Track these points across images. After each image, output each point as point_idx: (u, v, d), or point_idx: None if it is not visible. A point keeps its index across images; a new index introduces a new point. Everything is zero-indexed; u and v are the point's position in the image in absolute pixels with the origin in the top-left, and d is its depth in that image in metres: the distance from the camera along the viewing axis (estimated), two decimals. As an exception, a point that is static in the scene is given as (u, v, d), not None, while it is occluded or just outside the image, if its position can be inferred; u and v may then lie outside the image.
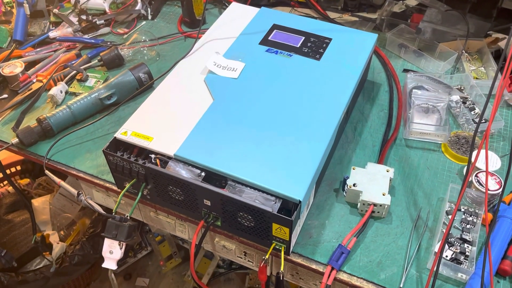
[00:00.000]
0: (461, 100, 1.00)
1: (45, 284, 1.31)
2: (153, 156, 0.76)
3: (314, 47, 0.95)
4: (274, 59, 0.92)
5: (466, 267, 0.73)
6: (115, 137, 0.79)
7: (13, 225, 1.38)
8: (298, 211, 0.69)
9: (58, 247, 1.38)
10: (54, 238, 1.42)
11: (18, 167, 1.60)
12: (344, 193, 0.84)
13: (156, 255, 1.73)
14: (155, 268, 1.74)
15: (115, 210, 0.78)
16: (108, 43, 1.16)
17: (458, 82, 1.05)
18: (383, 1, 1.27)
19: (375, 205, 0.79)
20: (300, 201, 0.69)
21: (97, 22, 1.20)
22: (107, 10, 1.23)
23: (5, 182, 1.59)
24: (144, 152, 0.79)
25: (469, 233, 0.78)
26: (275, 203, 0.70)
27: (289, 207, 0.71)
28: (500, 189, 0.80)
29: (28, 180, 1.58)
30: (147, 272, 1.73)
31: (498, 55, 1.10)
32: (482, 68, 1.09)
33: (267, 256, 0.74)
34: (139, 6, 1.25)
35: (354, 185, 0.81)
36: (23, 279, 1.26)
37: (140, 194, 0.79)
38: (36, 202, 1.48)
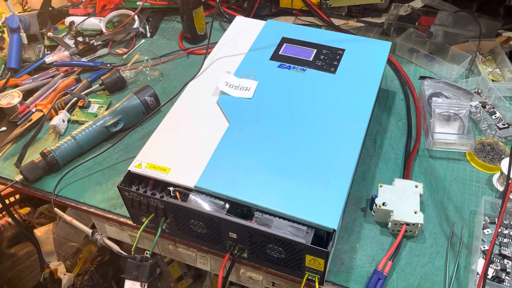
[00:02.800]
0: (481, 104, 0.97)
1: (55, 319, 1.25)
2: (172, 189, 0.72)
3: (328, 59, 0.91)
4: (288, 75, 0.88)
5: (509, 285, 0.70)
6: (129, 170, 0.74)
7: (17, 259, 1.32)
8: (333, 240, 0.65)
9: (65, 279, 1.33)
10: (60, 269, 1.36)
11: (17, 196, 1.54)
12: (373, 213, 0.80)
13: (166, 277, 1.68)
14: (165, 290, 1.68)
15: (134, 249, 0.73)
16: (108, 65, 1.11)
17: (474, 86, 1.02)
18: (387, 4, 1.24)
19: (407, 224, 0.75)
20: (334, 230, 0.64)
21: (95, 44, 1.15)
22: (104, 30, 1.18)
23: (4, 213, 1.52)
24: (161, 184, 0.74)
25: (507, 247, 0.74)
26: (308, 233, 0.66)
27: (320, 234, 0.67)
28: (537, 199, 0.77)
29: (29, 209, 1.52)
30: (158, 295, 1.67)
31: (513, 55, 1.07)
32: (497, 69, 1.06)
33: (301, 289, 0.70)
34: (136, 24, 1.20)
35: (383, 204, 0.77)
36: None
37: (160, 230, 0.74)
38: (39, 232, 1.42)
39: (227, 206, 0.69)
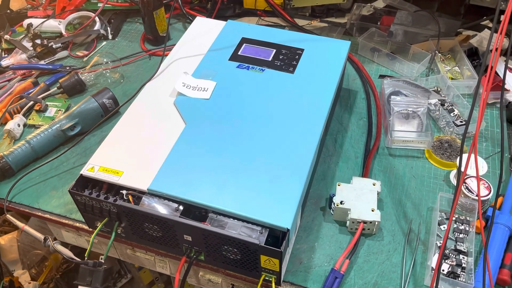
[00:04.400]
0: (439, 102, 0.98)
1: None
2: (124, 192, 0.70)
3: (287, 59, 0.91)
4: (246, 75, 0.88)
5: (464, 280, 0.70)
6: (81, 174, 0.72)
7: (-21, 268, 1.28)
8: (287, 240, 0.65)
9: (30, 287, 1.29)
10: (25, 277, 1.33)
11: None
12: (332, 212, 0.80)
13: (137, 282, 1.65)
14: (137, 296, 1.65)
15: (87, 254, 0.72)
16: (67, 68, 1.09)
17: (434, 84, 1.03)
18: (350, 5, 1.25)
19: (365, 222, 0.75)
20: (288, 229, 0.64)
21: (54, 46, 1.12)
22: (64, 33, 1.16)
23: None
24: (114, 188, 0.73)
25: (463, 243, 0.75)
26: (261, 233, 0.65)
27: (276, 235, 0.67)
28: (490, 194, 0.78)
29: (-8, 216, 1.48)
30: (129, 301, 1.64)
31: (471, 53, 1.08)
32: (456, 67, 1.08)
33: (257, 290, 0.69)
34: (97, 26, 1.18)
35: (341, 202, 0.77)
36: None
37: (113, 234, 0.72)
38: (3, 240, 1.38)
39: (181, 208, 0.68)
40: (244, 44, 0.94)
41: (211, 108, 0.81)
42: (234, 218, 0.67)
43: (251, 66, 0.89)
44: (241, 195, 0.68)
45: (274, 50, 0.93)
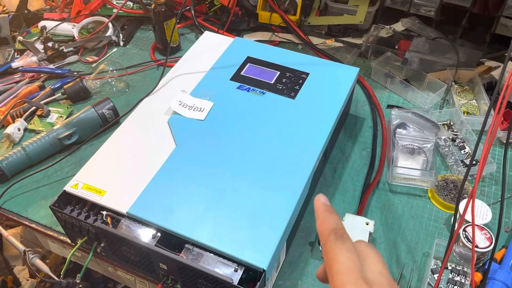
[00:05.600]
0: (450, 138, 0.92)
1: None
2: (104, 213, 0.69)
3: (290, 83, 0.87)
4: (246, 97, 0.85)
5: (452, 338, 0.66)
6: (65, 190, 0.71)
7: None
8: (263, 280, 0.62)
9: (27, 284, 1.31)
10: (24, 274, 1.35)
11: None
12: (320, 248, 0.76)
13: None
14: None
15: (63, 273, 0.71)
16: (75, 73, 1.09)
17: (447, 117, 0.98)
18: (369, 25, 1.20)
19: (352, 264, 0.71)
20: (264, 270, 0.61)
21: (64, 50, 1.13)
22: (76, 37, 1.16)
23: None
24: (97, 206, 0.71)
25: (456, 295, 0.70)
26: (236, 271, 0.62)
27: (255, 272, 0.64)
28: (491, 246, 0.73)
29: None
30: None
31: (491, 87, 1.02)
32: (473, 101, 1.02)
33: (230, 328, 0.66)
34: (110, 31, 1.17)
35: (329, 241, 0.73)
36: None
37: (91, 253, 0.71)
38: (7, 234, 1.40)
39: (159, 235, 0.66)
40: (248, 64, 0.92)
41: (204, 130, 0.79)
42: (211, 251, 0.64)
43: (252, 88, 0.87)
44: (221, 228, 0.65)
45: (278, 73, 0.89)
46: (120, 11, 1.19)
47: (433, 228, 0.80)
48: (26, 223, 0.82)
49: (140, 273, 0.74)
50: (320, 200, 0.38)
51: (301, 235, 0.79)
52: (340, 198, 0.85)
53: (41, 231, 0.81)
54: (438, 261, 0.74)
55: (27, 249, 0.77)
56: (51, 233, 0.80)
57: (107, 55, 1.15)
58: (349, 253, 0.33)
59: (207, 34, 1.02)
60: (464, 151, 0.91)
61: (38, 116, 0.98)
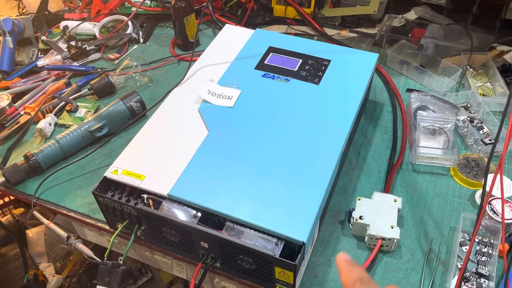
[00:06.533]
0: (468, 119, 0.95)
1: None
2: (145, 196, 0.72)
3: (313, 70, 0.90)
4: (271, 84, 0.88)
5: (484, 305, 0.68)
6: (105, 176, 0.74)
7: (7, 259, 1.33)
8: (302, 253, 0.64)
9: (54, 281, 1.33)
10: (49, 270, 1.37)
11: (12, 197, 1.55)
12: (350, 226, 0.79)
13: (157, 281, 1.68)
14: (156, 295, 1.68)
15: (107, 255, 0.73)
16: (99, 70, 1.12)
17: (464, 100, 1.01)
18: (381, 15, 1.23)
19: (383, 239, 0.74)
20: (304, 243, 0.64)
21: (87, 48, 1.16)
22: (97, 35, 1.19)
23: (-1, 212, 1.54)
24: (136, 191, 0.74)
25: (485, 266, 0.73)
26: (277, 245, 0.65)
27: (292, 246, 0.67)
28: (516, 217, 0.76)
29: (23, 209, 1.53)
30: (148, 299, 1.67)
31: (505, 69, 1.05)
32: (488, 83, 1.05)
33: (270, 301, 0.69)
34: (130, 29, 1.21)
35: (360, 217, 0.76)
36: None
37: (133, 236, 0.74)
38: (31, 233, 1.43)
39: (199, 215, 0.69)
40: (271, 53, 0.95)
41: (234, 116, 0.82)
42: (251, 228, 0.67)
43: (276, 75, 0.90)
44: (259, 205, 0.68)
45: (301, 60, 0.93)
46: (139, 9, 1.22)
47: (458, 204, 0.83)
48: (64, 212, 0.85)
49: (178, 255, 0.77)
50: (341, 257, 0.39)
51: (331, 215, 0.82)
52: (366, 179, 0.88)
53: (79, 219, 0.84)
54: (465, 234, 0.77)
55: (70, 234, 0.80)
56: (89, 221, 0.83)
57: (129, 51, 1.18)
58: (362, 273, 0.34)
59: (228, 27, 1.05)
60: (483, 131, 0.93)
61: (67, 111, 1.01)
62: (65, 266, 1.41)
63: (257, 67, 0.92)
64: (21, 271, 1.33)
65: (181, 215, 0.70)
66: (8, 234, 1.39)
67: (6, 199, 1.54)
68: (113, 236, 0.74)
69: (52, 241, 1.45)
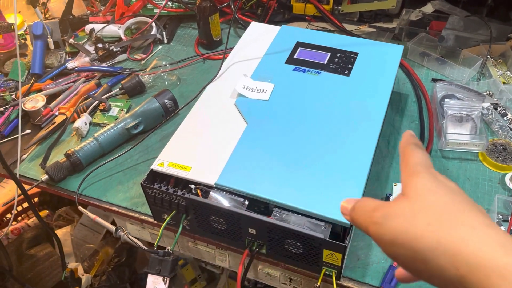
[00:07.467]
0: (492, 106, 0.98)
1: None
2: (193, 186, 0.74)
3: (342, 62, 0.93)
4: (303, 77, 0.91)
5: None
6: (152, 169, 0.77)
7: (37, 260, 1.35)
8: (350, 235, 0.67)
9: (83, 279, 1.36)
10: (78, 270, 1.40)
11: (36, 199, 1.58)
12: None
13: (179, 279, 1.70)
14: (179, 292, 1.70)
15: (157, 244, 0.76)
16: (127, 70, 1.14)
17: (486, 88, 1.04)
18: (398, 10, 1.26)
19: (422, 221, 0.77)
20: (351, 225, 0.66)
21: (114, 50, 1.19)
22: (123, 37, 1.22)
23: (23, 215, 1.56)
24: (181, 182, 0.77)
25: (521, 244, 0.76)
26: (325, 228, 0.68)
27: (336, 231, 0.69)
28: (548, 197, 0.78)
29: (47, 211, 1.55)
30: (172, 297, 1.69)
31: (523, 58, 1.08)
32: (508, 72, 1.08)
33: (318, 283, 0.72)
34: (154, 30, 1.24)
35: (398, 202, 0.79)
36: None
37: (181, 226, 0.77)
38: (58, 234, 1.45)
39: (247, 202, 0.72)
40: (299, 48, 0.98)
41: (271, 109, 0.85)
42: (298, 213, 0.70)
43: (307, 69, 0.92)
44: (304, 191, 0.71)
45: (329, 54, 0.95)
46: (162, 11, 1.25)
47: (489, 188, 0.86)
48: (107, 206, 0.87)
49: (223, 243, 0.79)
50: (410, 132, 0.42)
51: (367, 201, 0.85)
52: (398, 166, 0.90)
53: (122, 213, 0.86)
54: (499, 215, 0.80)
55: (119, 226, 0.82)
56: (133, 214, 0.86)
57: (154, 52, 1.21)
58: (425, 155, 0.39)
59: (254, 24, 1.08)
60: (507, 117, 0.96)
61: (100, 110, 1.04)
62: (92, 266, 1.44)
63: (287, 62, 0.95)
64: (51, 271, 1.35)
65: (228, 203, 0.72)
66: (36, 235, 1.41)
67: (25, 205, 1.56)
68: (162, 226, 0.76)
69: (79, 241, 1.47)
